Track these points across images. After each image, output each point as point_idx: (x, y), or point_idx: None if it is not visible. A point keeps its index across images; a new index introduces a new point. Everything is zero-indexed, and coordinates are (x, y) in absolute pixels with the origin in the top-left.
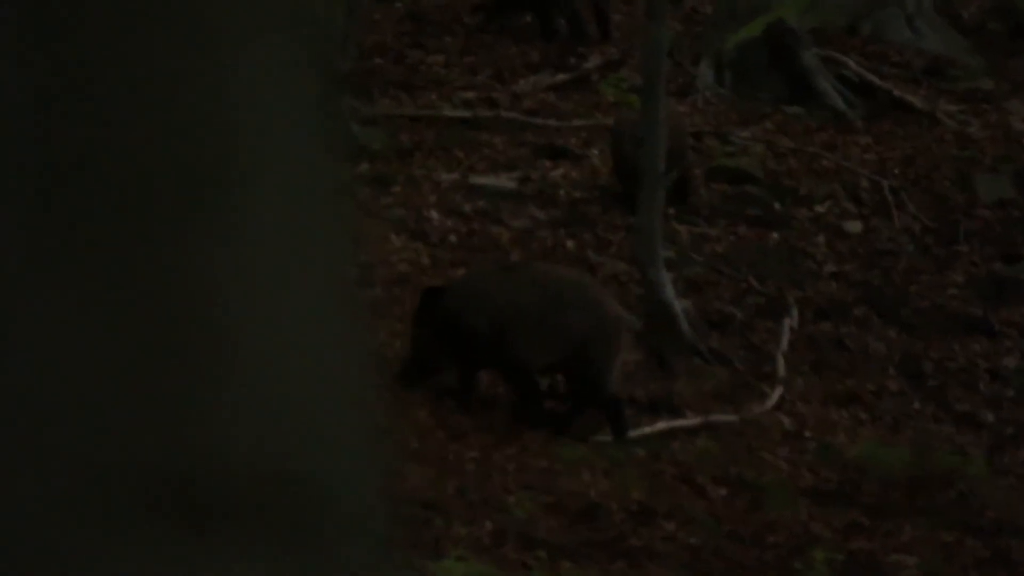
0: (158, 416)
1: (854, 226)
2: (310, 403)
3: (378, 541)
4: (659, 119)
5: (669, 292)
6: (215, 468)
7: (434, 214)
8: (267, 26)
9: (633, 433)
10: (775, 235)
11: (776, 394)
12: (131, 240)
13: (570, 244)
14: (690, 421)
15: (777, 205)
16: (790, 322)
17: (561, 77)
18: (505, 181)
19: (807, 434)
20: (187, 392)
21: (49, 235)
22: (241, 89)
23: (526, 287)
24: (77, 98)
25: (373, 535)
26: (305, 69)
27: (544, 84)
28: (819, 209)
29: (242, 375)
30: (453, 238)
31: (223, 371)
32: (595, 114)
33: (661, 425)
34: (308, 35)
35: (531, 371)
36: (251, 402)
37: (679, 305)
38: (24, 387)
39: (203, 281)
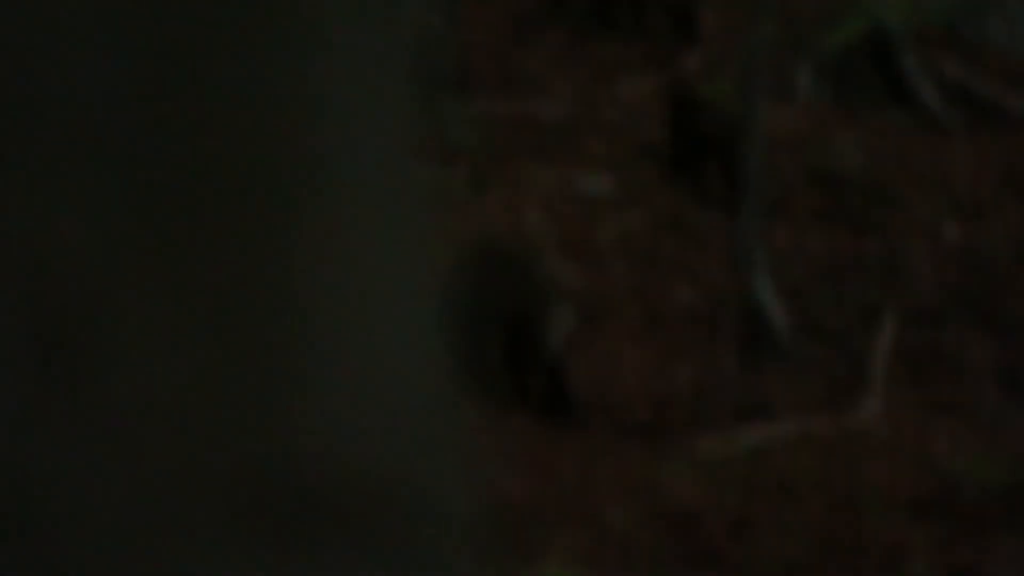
0: (245, 418)
1: (952, 232)
2: (398, 406)
3: (478, 549)
4: (758, 123)
5: (766, 297)
6: (304, 473)
7: (531, 216)
8: (355, 17)
9: (729, 442)
10: (873, 240)
11: (873, 403)
12: (214, 239)
13: (668, 246)
14: (787, 429)
15: (875, 210)
16: (887, 329)
17: (660, 79)
18: (603, 184)
19: (904, 444)
20: (273, 393)
21: (140, 231)
22: (325, 83)
23: None
24: (170, 90)
25: (472, 542)
26: (396, 66)
27: (643, 85)
28: (917, 215)
29: (328, 376)
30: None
31: (309, 372)
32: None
33: (757, 433)
34: (400, 31)
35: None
36: (339, 403)
37: (776, 310)
38: (115, 387)
39: (285, 280)
